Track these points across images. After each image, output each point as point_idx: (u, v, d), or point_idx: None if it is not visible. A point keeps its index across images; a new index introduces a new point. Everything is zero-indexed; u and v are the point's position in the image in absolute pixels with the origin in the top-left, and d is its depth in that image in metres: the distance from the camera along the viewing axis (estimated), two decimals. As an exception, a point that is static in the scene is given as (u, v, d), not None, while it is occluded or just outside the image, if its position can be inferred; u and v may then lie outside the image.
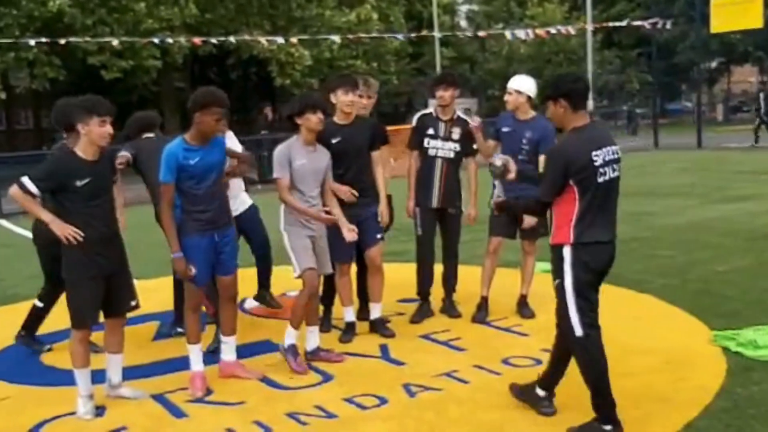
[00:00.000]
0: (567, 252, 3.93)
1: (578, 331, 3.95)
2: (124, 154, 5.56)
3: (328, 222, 5.16)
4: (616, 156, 3.97)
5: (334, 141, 5.41)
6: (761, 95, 23.13)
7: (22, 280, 8.74)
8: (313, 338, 5.33)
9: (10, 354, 5.90)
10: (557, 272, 3.98)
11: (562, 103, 3.95)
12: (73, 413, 4.58)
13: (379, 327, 5.80)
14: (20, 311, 7.22)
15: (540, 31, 26.72)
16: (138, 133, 5.92)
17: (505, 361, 5.13)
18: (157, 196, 5.14)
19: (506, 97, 5.99)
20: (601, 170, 3.88)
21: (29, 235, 11.54)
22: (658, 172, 17.05)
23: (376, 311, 5.85)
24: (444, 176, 6.02)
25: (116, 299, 4.64)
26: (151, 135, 5.94)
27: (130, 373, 5.14)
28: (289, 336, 5.18)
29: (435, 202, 6.03)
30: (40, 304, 5.86)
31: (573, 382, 4.20)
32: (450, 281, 6.31)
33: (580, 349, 4.00)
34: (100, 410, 4.63)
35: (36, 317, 5.91)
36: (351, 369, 5.17)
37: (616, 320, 5.87)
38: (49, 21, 21.30)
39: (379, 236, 5.71)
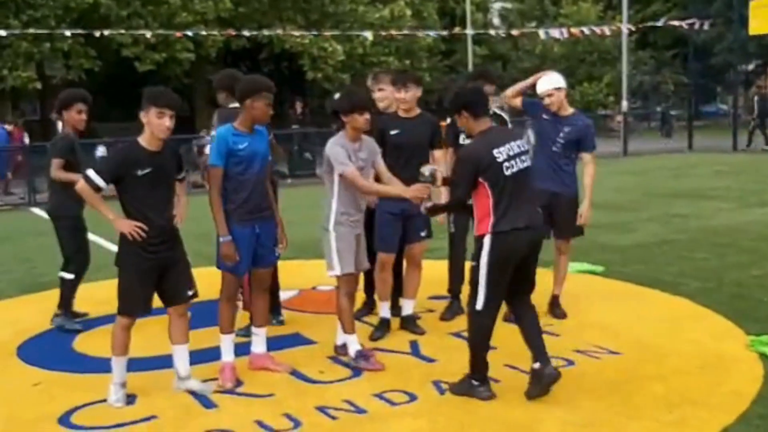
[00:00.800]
0: (486, 240, 4.36)
1: (479, 305, 4.40)
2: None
3: (414, 197, 4.80)
4: (521, 149, 4.42)
5: (392, 133, 5.41)
6: (755, 98, 23.79)
7: (53, 267, 8.78)
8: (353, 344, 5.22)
9: (43, 340, 5.96)
10: (475, 256, 4.40)
11: (465, 114, 4.47)
12: (103, 401, 4.61)
13: (410, 324, 5.76)
14: (51, 298, 7.34)
15: (574, 30, 26.46)
16: None
17: (537, 361, 5.07)
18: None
19: (548, 101, 5.82)
20: (506, 164, 4.33)
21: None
22: (692, 175, 16.82)
23: (408, 308, 5.81)
24: None
25: (174, 289, 4.61)
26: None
27: (159, 363, 5.17)
28: (351, 344, 5.10)
29: None
30: (69, 276, 5.92)
31: (597, 387, 4.14)
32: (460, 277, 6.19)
33: (475, 320, 4.46)
34: (130, 398, 4.65)
35: (68, 290, 6.08)
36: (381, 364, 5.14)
37: (650, 323, 5.83)
38: (85, 12, 21.54)
39: (423, 234, 5.65)
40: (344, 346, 5.25)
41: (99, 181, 4.39)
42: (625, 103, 25.79)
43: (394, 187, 5.02)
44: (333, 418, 4.29)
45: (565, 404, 4.35)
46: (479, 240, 4.39)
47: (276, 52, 27.44)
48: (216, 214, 4.74)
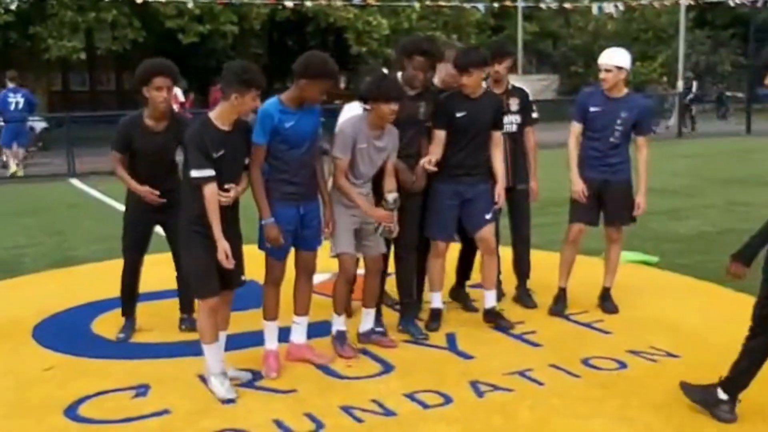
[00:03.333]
0: None
1: None
2: None
3: (378, 218, 4.68)
4: None
5: (458, 115, 4.99)
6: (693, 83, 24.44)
7: (84, 242, 8.60)
8: (368, 320, 4.97)
9: (60, 320, 5.67)
10: None
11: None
12: (116, 390, 4.30)
13: (493, 317, 5.26)
14: (77, 274, 7.11)
15: (630, 4, 25.48)
16: None
17: (586, 362, 4.62)
18: None
19: (603, 75, 5.32)
20: None
21: (99, 195, 11.52)
22: (751, 159, 15.99)
23: (490, 300, 5.29)
24: (510, 152, 5.51)
25: (228, 273, 4.19)
26: None
27: (177, 351, 4.85)
28: (336, 323, 4.82)
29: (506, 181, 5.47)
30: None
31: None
32: (522, 267, 5.80)
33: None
34: (143, 388, 4.33)
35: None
36: (414, 360, 4.74)
37: (712, 322, 5.32)
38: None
39: (488, 216, 5.16)
40: (367, 333, 4.95)
41: (207, 173, 4.02)
42: (680, 83, 24.80)
43: (363, 200, 4.66)
44: (359, 420, 3.90)
45: (616, 415, 3.91)
46: None
47: (322, 26, 26.99)
48: (257, 194, 4.34)
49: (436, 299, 5.30)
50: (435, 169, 4.92)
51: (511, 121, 5.52)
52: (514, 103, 5.55)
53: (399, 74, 4.99)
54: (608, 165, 5.39)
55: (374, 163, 4.72)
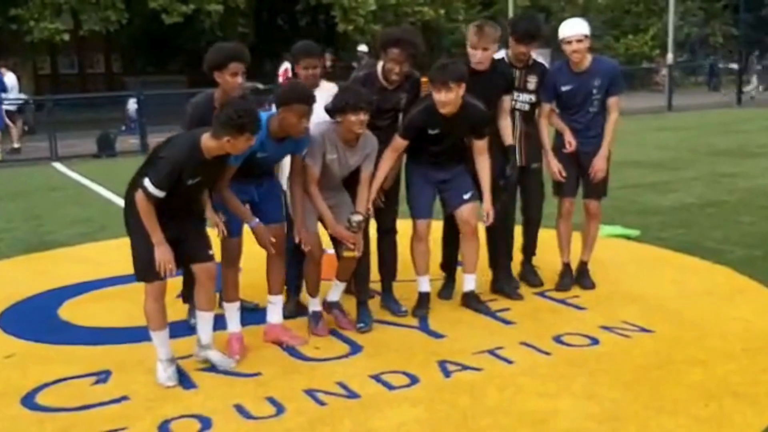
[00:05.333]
0: None
1: None
2: None
3: (340, 238, 4.59)
4: None
5: (431, 132, 4.77)
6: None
7: (63, 225, 8.48)
8: (336, 291, 4.86)
9: (27, 306, 5.56)
10: None
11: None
12: (76, 377, 4.21)
13: (472, 302, 5.11)
14: (50, 259, 7.00)
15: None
16: None
17: (557, 339, 4.53)
18: None
19: (576, 46, 5.06)
20: None
21: (80, 179, 11.39)
22: (741, 131, 15.87)
23: (469, 283, 5.10)
24: (524, 131, 5.32)
25: (190, 247, 4.13)
26: None
27: (143, 335, 4.74)
28: (311, 303, 4.74)
29: (518, 161, 5.32)
30: None
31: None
32: (528, 245, 5.63)
33: None
34: (104, 375, 4.24)
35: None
36: (383, 340, 4.65)
37: (688, 296, 5.24)
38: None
39: (466, 196, 4.94)
40: (333, 304, 4.87)
41: (161, 195, 3.89)
42: (670, 56, 24.59)
43: (328, 215, 4.54)
44: (321, 403, 3.81)
45: (586, 393, 3.81)
46: None
47: (312, 4, 26.68)
48: (233, 208, 4.33)
49: (423, 283, 5.09)
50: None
51: (525, 100, 5.28)
52: (531, 81, 5.25)
53: (379, 65, 4.81)
54: (587, 137, 5.25)
55: (345, 171, 4.62)
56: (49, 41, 21.67)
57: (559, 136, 5.32)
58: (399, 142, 4.78)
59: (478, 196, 4.99)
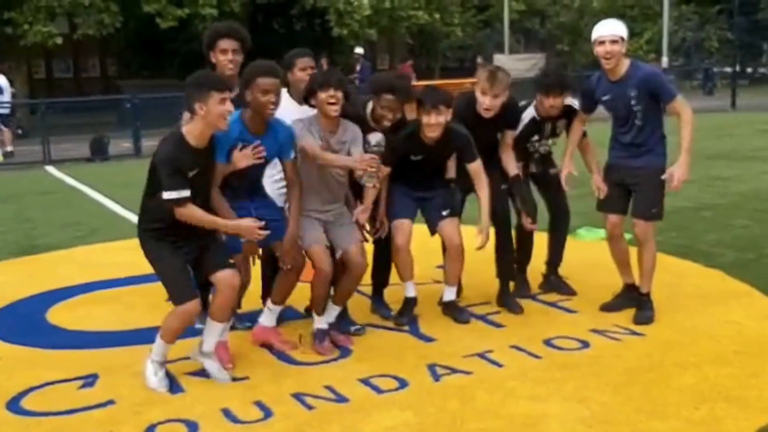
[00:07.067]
0: None
1: None
2: None
3: (361, 163, 4.33)
4: None
5: (413, 159, 4.75)
6: None
7: (55, 229, 8.44)
8: (331, 315, 4.63)
9: (15, 309, 5.52)
10: None
11: None
12: (63, 381, 4.17)
13: (451, 311, 4.99)
14: (39, 262, 6.95)
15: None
16: None
17: (548, 342, 4.50)
18: None
19: (609, 48, 4.60)
20: None
21: (73, 182, 11.35)
22: (735, 135, 15.88)
23: (448, 294, 5.01)
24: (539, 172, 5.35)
25: (210, 257, 4.09)
26: None
27: (131, 339, 4.72)
28: (316, 321, 4.56)
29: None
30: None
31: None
32: (555, 255, 5.48)
33: None
34: (91, 378, 4.20)
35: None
36: (373, 343, 4.62)
37: (679, 299, 5.21)
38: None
39: (444, 213, 4.84)
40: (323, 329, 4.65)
41: (185, 194, 3.91)
42: (665, 60, 24.63)
43: (343, 157, 4.45)
44: (309, 407, 3.77)
45: (576, 397, 3.78)
46: None
47: (307, 8, 26.67)
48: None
49: (409, 288, 4.96)
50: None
51: (548, 144, 5.27)
52: (560, 126, 5.19)
53: (369, 107, 4.68)
54: (636, 153, 4.81)
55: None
56: (43, 45, 21.59)
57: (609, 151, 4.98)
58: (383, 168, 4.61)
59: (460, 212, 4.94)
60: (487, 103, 4.80)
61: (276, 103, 4.17)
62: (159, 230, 3.98)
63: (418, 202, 4.92)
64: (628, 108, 4.73)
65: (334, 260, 4.53)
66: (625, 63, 4.72)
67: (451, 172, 4.97)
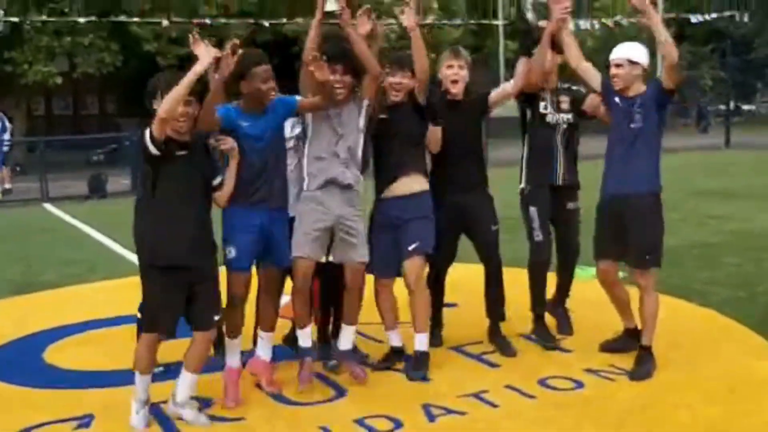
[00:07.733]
0: None
1: None
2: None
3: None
4: None
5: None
6: None
7: (52, 267, 8.47)
8: (347, 337, 4.64)
9: (12, 349, 5.54)
10: None
11: None
12: (59, 421, 4.17)
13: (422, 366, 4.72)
14: (35, 301, 6.96)
15: (607, 22, 25.60)
16: None
17: (542, 382, 4.52)
18: None
19: (614, 71, 4.63)
20: None
21: (71, 220, 11.36)
22: (728, 173, 16.03)
23: (418, 343, 4.72)
24: (563, 152, 5.20)
25: (196, 312, 4.10)
26: None
27: (133, 378, 4.70)
28: (300, 337, 4.54)
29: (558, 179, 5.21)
30: None
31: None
32: (561, 290, 5.49)
33: None
34: (86, 419, 4.21)
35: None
36: (368, 383, 4.62)
37: (673, 338, 5.22)
38: (107, 7, 21.29)
39: (410, 248, 4.59)
40: (345, 353, 4.68)
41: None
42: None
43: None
44: (304, 448, 3.80)
45: (570, 436, 3.81)
46: None
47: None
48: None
49: (393, 337, 4.87)
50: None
51: (563, 119, 5.18)
52: (564, 101, 5.19)
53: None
54: (626, 177, 4.67)
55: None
56: (43, 83, 21.80)
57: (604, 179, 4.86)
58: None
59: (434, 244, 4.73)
60: (455, 72, 4.87)
61: (275, 88, 4.27)
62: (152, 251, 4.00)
63: (394, 234, 4.69)
64: (629, 119, 4.64)
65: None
66: (639, 87, 4.67)
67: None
